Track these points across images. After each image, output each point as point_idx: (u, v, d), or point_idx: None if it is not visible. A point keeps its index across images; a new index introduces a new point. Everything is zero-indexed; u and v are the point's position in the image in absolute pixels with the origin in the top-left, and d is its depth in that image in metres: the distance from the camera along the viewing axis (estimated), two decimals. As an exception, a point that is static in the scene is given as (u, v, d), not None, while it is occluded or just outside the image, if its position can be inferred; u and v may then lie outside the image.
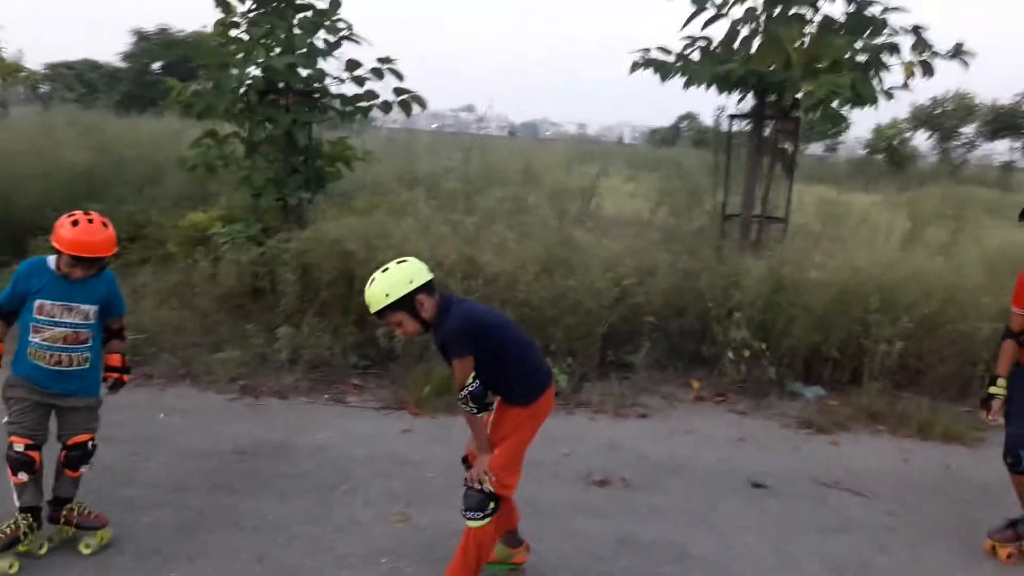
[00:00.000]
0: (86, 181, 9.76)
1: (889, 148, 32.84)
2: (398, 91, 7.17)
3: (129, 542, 3.37)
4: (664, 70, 7.00)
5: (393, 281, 2.89)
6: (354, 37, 7.01)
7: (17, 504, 3.18)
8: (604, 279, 5.72)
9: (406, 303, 2.89)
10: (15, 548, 3.13)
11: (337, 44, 6.93)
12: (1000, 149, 35.38)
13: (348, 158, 7.55)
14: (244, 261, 6.24)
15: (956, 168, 30.96)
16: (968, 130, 32.74)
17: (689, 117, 73.02)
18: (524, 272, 5.79)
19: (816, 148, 52.05)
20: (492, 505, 2.96)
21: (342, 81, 7.04)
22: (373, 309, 2.93)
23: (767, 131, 7.38)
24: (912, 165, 31.97)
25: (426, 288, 2.92)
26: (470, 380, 2.89)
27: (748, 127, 7.44)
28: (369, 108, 7.32)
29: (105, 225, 3.12)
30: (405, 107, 7.33)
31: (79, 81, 46.18)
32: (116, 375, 3.39)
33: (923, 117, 32.87)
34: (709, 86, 6.68)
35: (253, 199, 7.22)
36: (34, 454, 3.15)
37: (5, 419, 3.20)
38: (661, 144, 64.09)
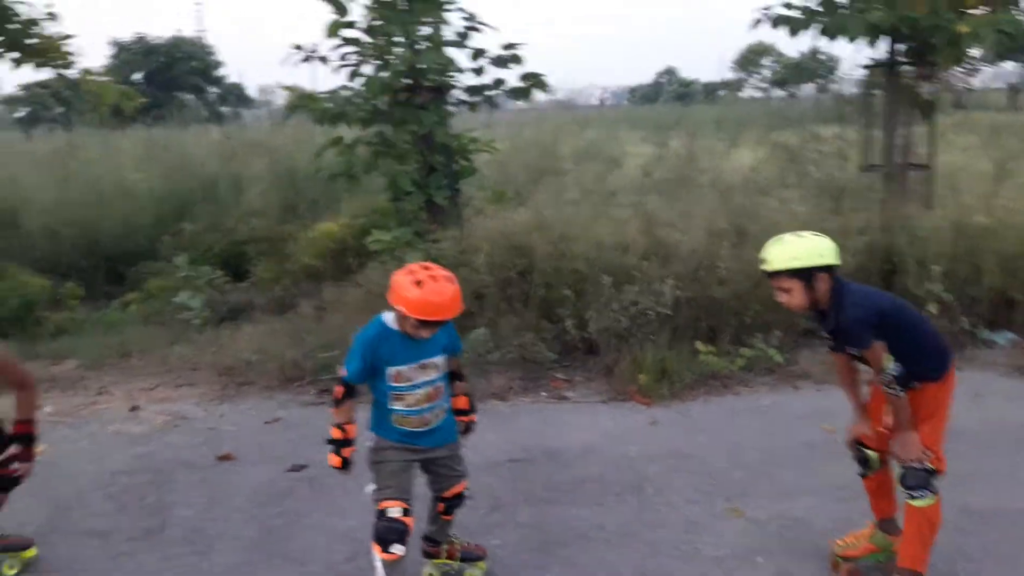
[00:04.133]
0: (171, 202, 9.55)
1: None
2: (526, 76, 7.01)
3: (498, 566, 3.28)
4: (796, 25, 6.90)
5: (806, 248, 2.86)
6: (478, 25, 6.84)
7: None
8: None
9: (807, 275, 2.84)
10: None
11: (466, 34, 6.74)
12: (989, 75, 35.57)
13: (469, 151, 7.39)
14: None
15: (959, 96, 30.95)
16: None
17: (669, 72, 73.08)
18: (717, 246, 5.69)
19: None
20: (934, 482, 2.91)
21: (478, 72, 6.85)
22: (772, 267, 2.88)
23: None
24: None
25: (830, 269, 2.87)
26: (888, 364, 2.81)
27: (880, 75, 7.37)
28: (493, 97, 7.16)
29: (449, 280, 2.80)
30: (525, 93, 7.19)
31: (56, 100, 45.17)
32: (466, 418, 3.17)
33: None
34: (856, 37, 6.57)
35: (393, 203, 7.07)
36: (409, 520, 2.89)
37: (371, 487, 2.97)
38: (642, 101, 63.95)
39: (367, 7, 6.63)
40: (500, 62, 6.87)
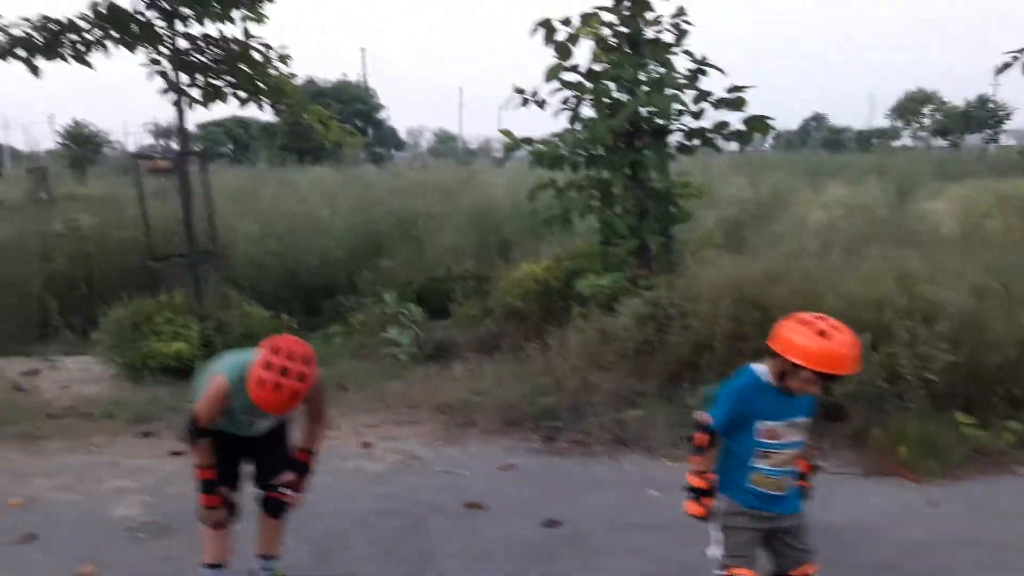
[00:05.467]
0: (366, 238, 9.79)
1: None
2: (749, 120, 6.71)
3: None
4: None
5: None
6: (704, 68, 6.63)
7: None
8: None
9: None
10: None
11: (695, 77, 6.54)
12: None
13: (681, 196, 7.12)
14: (642, 314, 5.85)
15: None
16: None
17: (817, 119, 70.76)
18: (986, 307, 5.15)
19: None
20: None
21: (697, 116, 6.63)
22: None
23: None
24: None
25: None
26: None
27: None
28: (712, 140, 6.90)
29: (851, 332, 2.55)
30: (747, 136, 6.88)
31: (228, 138, 48.61)
32: (805, 483, 2.89)
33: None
34: None
35: (602, 246, 6.92)
36: None
37: (714, 550, 2.78)
38: (788, 148, 62.08)
39: (594, 51, 6.57)
40: (723, 104, 6.63)
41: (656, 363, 5.87)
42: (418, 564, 3.71)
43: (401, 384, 6.39)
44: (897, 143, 53.72)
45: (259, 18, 7.40)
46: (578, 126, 6.70)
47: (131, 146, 43.24)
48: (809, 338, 2.50)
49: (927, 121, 54.14)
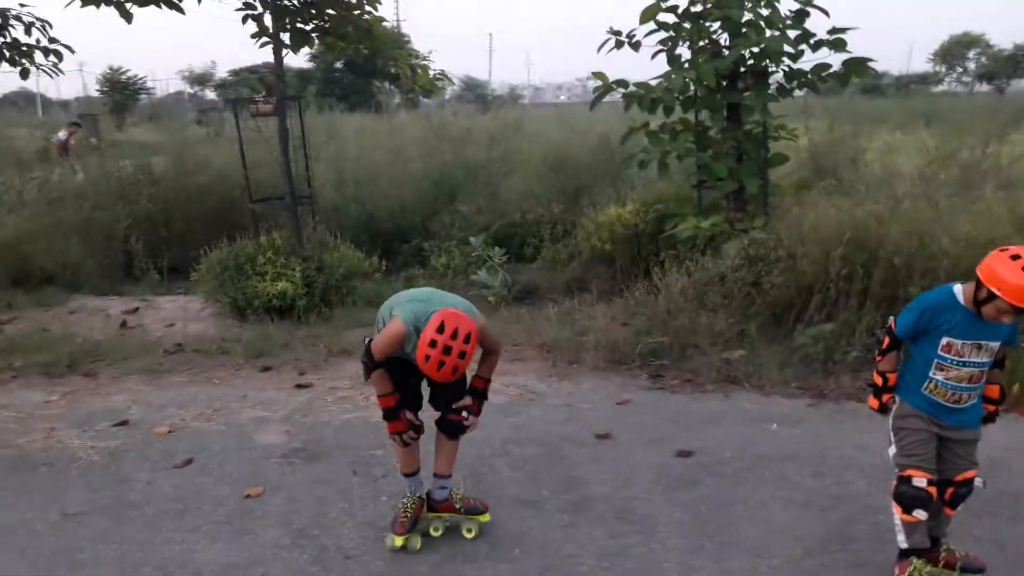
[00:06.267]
0: (439, 183, 9.84)
1: None
2: (848, 62, 6.65)
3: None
4: None
5: None
6: (807, 9, 6.55)
7: (904, 545, 2.99)
8: None
9: None
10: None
11: (799, 18, 6.47)
12: None
13: (774, 138, 7.10)
14: (749, 256, 5.91)
15: None
16: None
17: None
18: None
19: None
20: None
21: (794, 58, 6.57)
22: None
23: None
24: None
25: None
26: None
27: None
28: (813, 81, 6.83)
29: None
30: (845, 79, 6.83)
31: (262, 84, 48.50)
32: (993, 407, 3.06)
33: None
34: None
35: (694, 190, 6.95)
36: (932, 490, 2.92)
37: (894, 450, 3.02)
38: (826, 94, 60.83)
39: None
40: (824, 45, 6.56)
41: (758, 305, 5.95)
42: (569, 488, 3.89)
43: (497, 323, 6.51)
44: (938, 89, 52.40)
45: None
46: (675, 67, 6.67)
47: (159, 92, 43.20)
48: (1013, 271, 2.63)
49: (971, 65, 52.68)
